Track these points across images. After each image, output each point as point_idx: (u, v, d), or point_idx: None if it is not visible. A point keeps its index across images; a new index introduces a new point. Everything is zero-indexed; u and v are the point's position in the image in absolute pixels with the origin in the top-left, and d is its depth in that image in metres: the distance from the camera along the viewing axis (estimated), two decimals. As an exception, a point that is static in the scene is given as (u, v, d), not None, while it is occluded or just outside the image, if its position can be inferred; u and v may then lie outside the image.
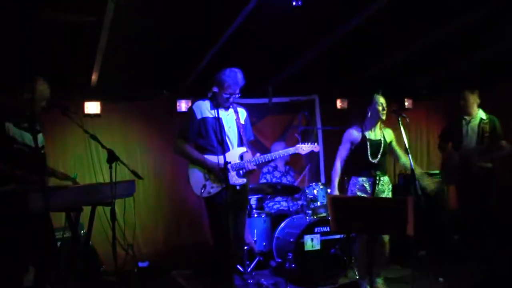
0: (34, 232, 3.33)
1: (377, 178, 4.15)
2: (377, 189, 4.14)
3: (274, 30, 4.60)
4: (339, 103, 6.96)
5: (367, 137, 4.21)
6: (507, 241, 5.24)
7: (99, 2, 3.68)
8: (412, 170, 3.85)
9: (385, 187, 4.22)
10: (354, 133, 4.28)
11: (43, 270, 3.49)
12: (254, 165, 3.80)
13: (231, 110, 3.91)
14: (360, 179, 4.23)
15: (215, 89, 3.70)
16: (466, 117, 5.17)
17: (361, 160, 4.21)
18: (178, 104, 6.19)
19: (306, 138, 6.82)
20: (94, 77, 5.36)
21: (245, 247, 4.87)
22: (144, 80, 5.91)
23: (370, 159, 4.16)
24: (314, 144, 4.04)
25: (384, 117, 4.18)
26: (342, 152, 4.32)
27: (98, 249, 5.31)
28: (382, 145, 4.21)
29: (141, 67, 5.41)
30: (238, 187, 3.78)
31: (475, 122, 5.12)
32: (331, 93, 6.94)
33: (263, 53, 5.16)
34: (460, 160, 5.08)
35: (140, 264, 5.61)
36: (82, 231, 4.75)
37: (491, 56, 5.72)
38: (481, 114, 5.13)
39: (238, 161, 3.81)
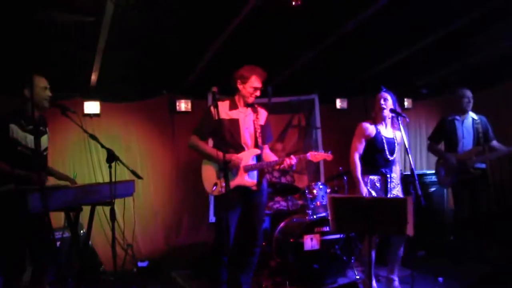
0: (33, 231, 3.33)
1: (388, 176, 4.14)
2: (391, 188, 4.14)
3: (273, 29, 4.60)
4: (338, 103, 6.96)
5: (382, 134, 4.17)
6: (503, 240, 5.24)
7: (98, 2, 3.68)
8: (412, 170, 3.84)
9: (395, 183, 4.20)
10: (369, 128, 4.17)
11: (42, 270, 3.49)
12: (268, 167, 3.94)
13: (249, 111, 3.92)
14: (372, 177, 4.18)
15: (237, 86, 3.76)
16: (458, 117, 5.15)
17: (376, 157, 4.15)
18: (177, 104, 6.19)
19: (305, 137, 6.83)
20: (93, 77, 5.36)
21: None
22: (143, 80, 5.90)
23: (388, 156, 4.13)
24: (327, 153, 3.96)
25: (385, 113, 4.13)
26: (359, 147, 4.18)
27: (97, 249, 5.31)
28: (396, 143, 4.19)
29: (141, 67, 5.41)
30: (250, 188, 3.84)
31: (468, 123, 5.11)
32: (331, 93, 6.94)
33: (262, 52, 5.16)
34: (457, 162, 5.05)
35: (140, 264, 5.61)
36: (81, 231, 4.75)
37: (491, 56, 5.72)
38: (472, 114, 5.13)
39: (251, 162, 3.84)
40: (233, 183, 3.77)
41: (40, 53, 4.62)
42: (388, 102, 4.13)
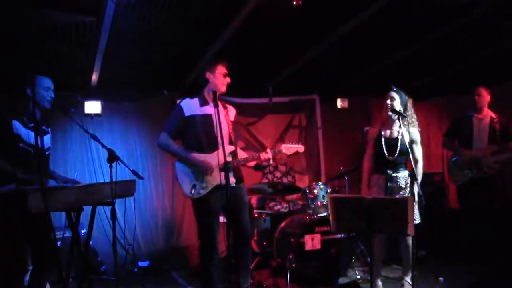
0: (34, 232, 3.33)
1: (389, 175, 4.14)
2: (391, 185, 4.13)
3: (274, 29, 4.60)
4: (339, 103, 6.96)
5: (382, 134, 4.22)
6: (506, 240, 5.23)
7: (99, 2, 3.68)
8: (413, 170, 3.85)
9: (401, 182, 4.17)
10: (372, 131, 4.34)
11: (43, 270, 3.49)
12: (245, 164, 3.78)
13: (220, 107, 3.81)
14: (376, 176, 4.26)
15: (206, 78, 3.68)
16: (476, 115, 5.11)
17: (378, 158, 4.23)
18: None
19: (306, 137, 6.84)
20: (94, 77, 5.37)
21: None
22: (144, 79, 5.91)
23: (387, 156, 4.14)
24: (298, 144, 3.91)
25: (389, 113, 4.13)
26: (368, 150, 4.38)
27: (98, 249, 5.32)
28: (399, 143, 4.15)
29: (141, 67, 5.41)
30: (232, 185, 3.68)
31: (486, 121, 5.07)
32: (332, 92, 6.94)
33: (263, 52, 5.16)
34: (470, 160, 5.01)
35: (140, 264, 5.62)
36: (82, 231, 4.76)
37: (491, 56, 5.71)
38: (490, 112, 5.09)
39: (228, 159, 3.69)
40: (212, 183, 3.63)
41: (41, 53, 4.63)
42: (395, 101, 4.14)
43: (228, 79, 3.78)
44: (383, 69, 6.01)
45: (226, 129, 3.78)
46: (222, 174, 3.55)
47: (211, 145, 3.67)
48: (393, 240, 4.31)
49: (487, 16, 4.54)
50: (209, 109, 3.70)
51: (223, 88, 3.78)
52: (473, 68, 6.09)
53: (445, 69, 6.26)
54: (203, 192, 3.63)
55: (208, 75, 3.77)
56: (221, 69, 3.75)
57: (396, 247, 4.30)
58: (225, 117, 3.83)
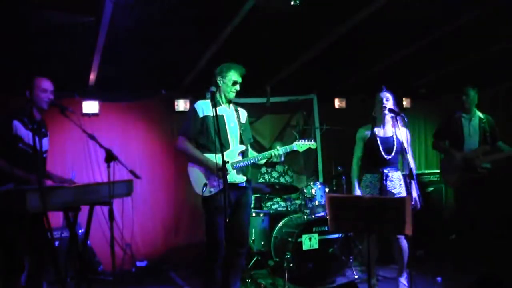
0: (31, 231, 3.33)
1: (384, 174, 4.15)
2: (386, 184, 4.15)
3: (272, 29, 4.60)
4: (337, 103, 6.97)
5: (377, 134, 4.24)
6: (506, 240, 5.24)
7: (97, 2, 3.68)
8: (411, 169, 3.85)
9: (396, 183, 4.21)
10: (364, 131, 4.35)
11: (42, 270, 3.49)
12: (256, 162, 3.86)
13: (232, 109, 3.94)
14: (369, 175, 4.27)
15: (213, 88, 3.64)
16: (465, 115, 5.12)
17: (372, 157, 4.24)
18: (176, 103, 6.20)
19: (304, 137, 6.83)
20: (92, 76, 5.36)
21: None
22: (142, 79, 5.90)
23: (384, 155, 4.17)
24: (311, 141, 4.03)
25: (386, 111, 4.16)
26: (357, 151, 4.39)
27: (96, 249, 5.31)
28: (395, 142, 4.20)
29: (140, 66, 5.40)
30: (239, 185, 3.81)
31: (475, 121, 5.08)
32: (329, 92, 6.94)
33: (261, 52, 5.16)
34: (463, 161, 5.02)
35: (138, 264, 5.62)
36: (80, 231, 4.75)
37: (491, 56, 5.72)
38: (478, 113, 5.11)
39: (238, 158, 3.82)
40: (221, 182, 3.66)
41: (40, 52, 4.62)
42: (389, 102, 4.17)
43: (237, 87, 3.86)
44: (382, 69, 6.01)
45: (237, 129, 3.89)
46: (234, 172, 3.76)
47: (223, 144, 3.71)
48: (389, 240, 4.31)
49: (487, 17, 4.55)
50: (221, 110, 3.80)
51: (231, 95, 3.87)
52: (473, 68, 6.10)
53: (445, 69, 6.27)
54: (213, 190, 3.71)
55: (219, 80, 3.84)
56: (232, 77, 3.82)
57: (392, 247, 4.31)
58: (236, 118, 3.94)
